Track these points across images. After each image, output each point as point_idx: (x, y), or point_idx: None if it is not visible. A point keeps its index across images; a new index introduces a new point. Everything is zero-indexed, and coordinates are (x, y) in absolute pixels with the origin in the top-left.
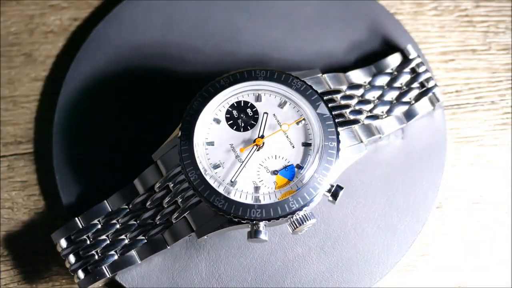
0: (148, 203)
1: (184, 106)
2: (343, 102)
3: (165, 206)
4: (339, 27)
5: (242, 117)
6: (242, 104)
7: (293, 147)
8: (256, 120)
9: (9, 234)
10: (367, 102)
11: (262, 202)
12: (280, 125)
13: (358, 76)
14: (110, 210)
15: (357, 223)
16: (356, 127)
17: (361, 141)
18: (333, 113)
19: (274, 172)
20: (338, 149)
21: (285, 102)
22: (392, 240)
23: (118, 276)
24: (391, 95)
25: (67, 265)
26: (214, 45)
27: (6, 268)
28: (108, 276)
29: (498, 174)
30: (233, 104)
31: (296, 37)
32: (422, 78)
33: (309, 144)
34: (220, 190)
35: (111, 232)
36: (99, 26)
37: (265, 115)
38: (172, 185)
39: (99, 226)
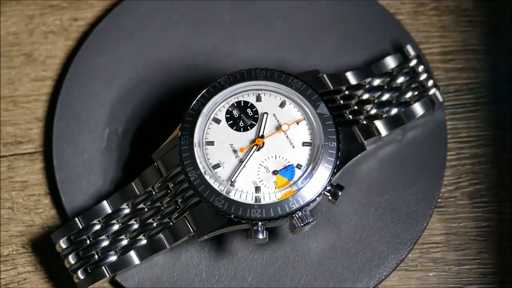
0: (148, 203)
1: (184, 106)
2: (343, 102)
3: (165, 206)
4: (339, 27)
5: (242, 117)
6: (242, 104)
7: (293, 147)
8: (256, 120)
9: (9, 234)
10: (367, 102)
11: (262, 202)
12: (280, 125)
13: (358, 76)
14: (110, 210)
15: (357, 223)
16: (356, 127)
17: (361, 141)
18: (333, 113)
19: (274, 172)
20: (338, 149)
21: (285, 102)
22: (392, 240)
23: (118, 276)
24: (391, 95)
25: (67, 265)
26: (214, 45)
27: (6, 268)
28: (108, 276)
29: (498, 174)
30: (233, 104)
31: (296, 37)
32: (422, 78)
33: (309, 144)
34: (220, 190)
35: (111, 232)
36: (99, 26)
37: (265, 115)
38: (172, 185)
39: (99, 226)
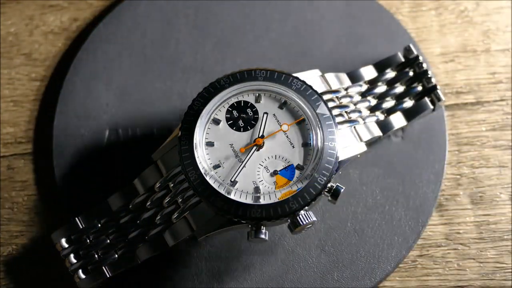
0: (148, 203)
1: (184, 106)
2: (343, 102)
3: (165, 206)
4: (339, 27)
5: (242, 117)
6: (242, 104)
7: (293, 147)
8: (256, 120)
9: (9, 234)
10: (367, 102)
11: (262, 202)
12: (280, 125)
13: (358, 76)
14: (110, 210)
15: (357, 223)
16: (356, 127)
17: (361, 141)
18: (333, 113)
19: (274, 172)
20: (338, 149)
21: (285, 102)
22: (392, 240)
23: (118, 276)
24: (391, 95)
25: (67, 265)
26: (213, 45)
27: (6, 268)
28: (108, 276)
29: (498, 174)
30: (233, 104)
31: (296, 37)
32: (422, 78)
33: (309, 144)
34: (220, 190)
35: (111, 232)
36: (99, 26)
37: (265, 115)
38: (172, 185)
39: (99, 226)
